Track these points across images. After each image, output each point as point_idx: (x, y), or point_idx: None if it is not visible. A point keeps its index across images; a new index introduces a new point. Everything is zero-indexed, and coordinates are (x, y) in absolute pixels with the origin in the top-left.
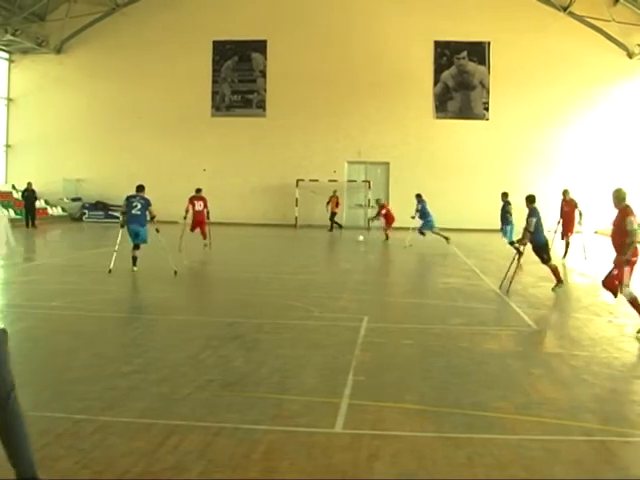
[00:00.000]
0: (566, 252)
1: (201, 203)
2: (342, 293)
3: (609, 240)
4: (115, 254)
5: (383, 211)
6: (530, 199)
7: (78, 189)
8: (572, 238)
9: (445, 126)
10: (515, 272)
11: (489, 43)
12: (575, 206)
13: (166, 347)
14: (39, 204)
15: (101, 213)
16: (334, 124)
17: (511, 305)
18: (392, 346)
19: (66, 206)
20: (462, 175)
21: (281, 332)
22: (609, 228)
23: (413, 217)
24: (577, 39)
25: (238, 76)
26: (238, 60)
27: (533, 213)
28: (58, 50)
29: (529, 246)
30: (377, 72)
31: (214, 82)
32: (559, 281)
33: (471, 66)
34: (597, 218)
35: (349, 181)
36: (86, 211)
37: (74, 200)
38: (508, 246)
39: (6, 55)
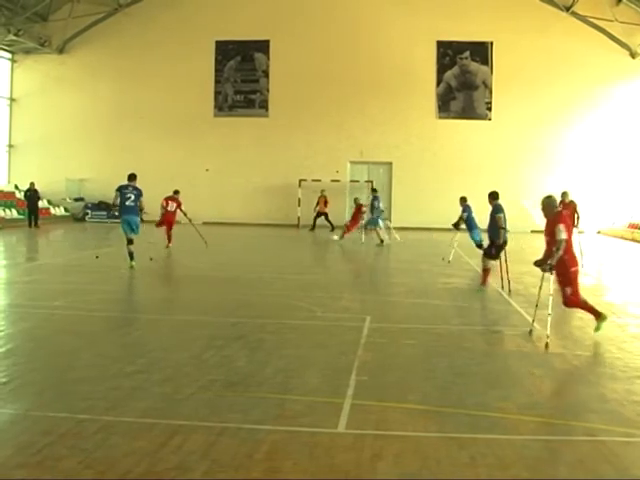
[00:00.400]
0: None
1: (174, 204)
2: (344, 293)
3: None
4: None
5: (363, 209)
6: (494, 195)
7: (81, 189)
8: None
9: (448, 126)
10: (508, 270)
11: (492, 43)
12: (574, 209)
13: (169, 347)
14: (42, 204)
15: (104, 213)
16: (337, 124)
17: (513, 305)
18: (395, 346)
19: (69, 206)
20: (465, 175)
21: (284, 332)
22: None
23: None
24: (580, 39)
25: (241, 76)
26: (241, 60)
27: (499, 209)
28: (61, 50)
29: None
30: (380, 72)
31: (217, 82)
32: (484, 282)
33: (474, 66)
34: (600, 218)
35: (352, 181)
36: (89, 211)
37: (77, 200)
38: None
39: (9, 55)
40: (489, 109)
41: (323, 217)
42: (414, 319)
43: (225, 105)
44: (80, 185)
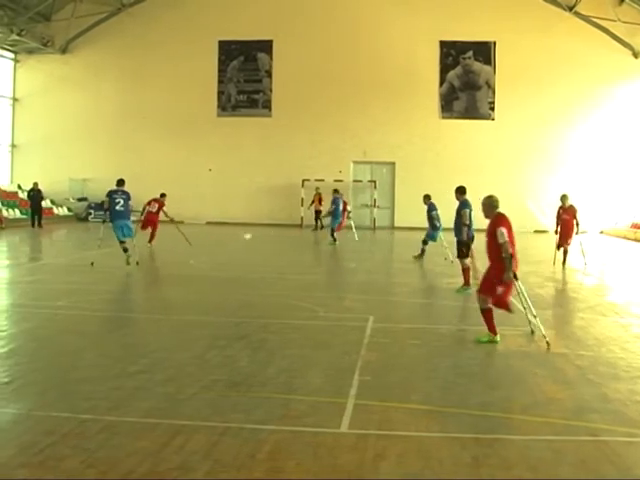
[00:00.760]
0: (565, 259)
1: (156, 205)
2: (347, 293)
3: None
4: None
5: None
6: (461, 190)
7: (84, 189)
8: (570, 247)
9: (451, 126)
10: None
11: (495, 43)
12: (574, 214)
13: (172, 347)
14: (45, 204)
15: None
16: (340, 124)
17: (516, 305)
18: (398, 346)
19: (72, 206)
20: (468, 175)
21: (287, 332)
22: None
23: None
24: (583, 39)
25: (244, 76)
26: (244, 60)
27: (466, 205)
28: (63, 50)
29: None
30: (383, 72)
31: (220, 82)
32: (466, 283)
33: (477, 66)
34: (603, 218)
35: (355, 181)
36: (92, 211)
37: (80, 200)
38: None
39: (12, 55)
40: (492, 109)
41: (315, 214)
42: (417, 319)
43: (228, 105)
44: (83, 185)
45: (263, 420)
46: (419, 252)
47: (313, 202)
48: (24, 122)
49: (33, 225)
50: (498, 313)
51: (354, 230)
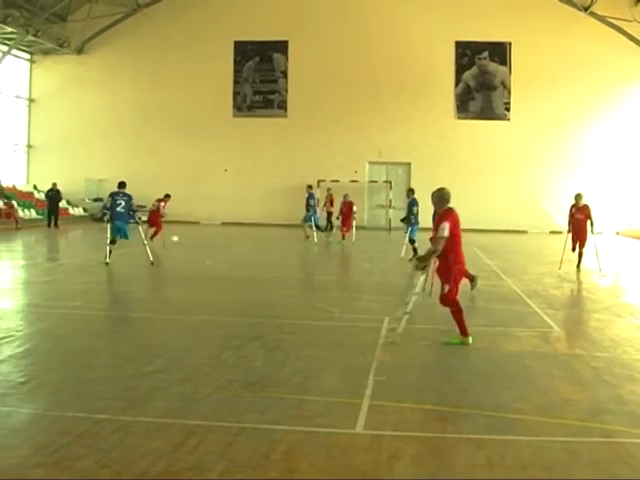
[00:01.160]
0: (579, 262)
1: (156, 204)
2: (362, 294)
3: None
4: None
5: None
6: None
7: (100, 189)
8: (585, 250)
9: (466, 126)
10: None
11: (510, 43)
12: (589, 214)
13: (188, 347)
14: (61, 204)
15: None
16: (355, 124)
17: (532, 306)
18: (413, 347)
19: (87, 206)
20: (484, 176)
21: (302, 332)
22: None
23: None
24: (598, 39)
25: (259, 76)
26: (259, 60)
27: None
28: (79, 51)
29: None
30: (398, 72)
31: (235, 82)
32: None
33: (492, 66)
34: (619, 219)
35: (370, 182)
36: (107, 211)
37: (95, 200)
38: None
39: (28, 56)
40: (508, 109)
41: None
42: (432, 320)
43: (244, 105)
44: (99, 185)
45: (278, 420)
46: (412, 253)
47: (325, 203)
48: (40, 123)
49: (49, 225)
50: (514, 314)
51: (354, 232)
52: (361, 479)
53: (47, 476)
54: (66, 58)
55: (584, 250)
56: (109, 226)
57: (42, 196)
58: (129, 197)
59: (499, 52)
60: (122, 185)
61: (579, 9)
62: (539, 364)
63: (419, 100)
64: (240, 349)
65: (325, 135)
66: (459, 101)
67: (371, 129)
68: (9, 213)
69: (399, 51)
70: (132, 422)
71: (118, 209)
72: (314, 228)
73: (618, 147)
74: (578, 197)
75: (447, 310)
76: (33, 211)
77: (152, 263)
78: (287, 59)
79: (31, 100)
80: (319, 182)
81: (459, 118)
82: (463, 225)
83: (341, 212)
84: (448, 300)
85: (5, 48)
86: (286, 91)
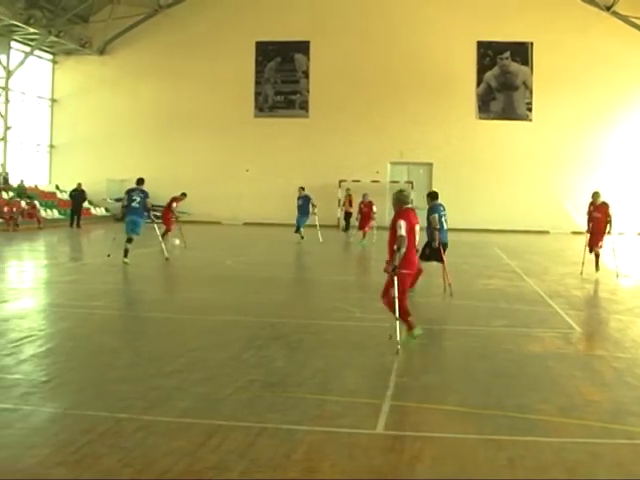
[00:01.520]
0: (597, 264)
1: (168, 202)
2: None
3: None
4: (114, 241)
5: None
6: (432, 195)
7: (122, 189)
8: (602, 250)
9: (488, 127)
10: (447, 272)
11: (532, 43)
12: (607, 212)
13: (209, 347)
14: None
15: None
16: (377, 124)
17: (554, 307)
18: (434, 348)
19: (109, 206)
20: (505, 176)
21: (323, 333)
22: None
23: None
24: (621, 39)
25: (281, 77)
26: (281, 61)
27: (434, 210)
28: (101, 51)
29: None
30: (420, 72)
31: (257, 83)
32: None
33: (514, 66)
34: None
35: (392, 182)
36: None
37: (117, 200)
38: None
39: (50, 56)
40: (529, 110)
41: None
42: (454, 320)
43: (265, 106)
44: (121, 185)
45: (299, 421)
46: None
47: (344, 203)
48: (62, 123)
49: (72, 225)
50: (536, 314)
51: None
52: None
53: (69, 474)
54: (88, 59)
55: (600, 251)
56: (125, 222)
57: (64, 196)
58: (145, 194)
59: (521, 52)
60: (140, 182)
61: (601, 9)
62: (561, 365)
63: (440, 100)
64: (261, 349)
65: (346, 135)
66: (481, 101)
67: (392, 129)
68: (32, 213)
69: (421, 51)
70: (154, 421)
71: (133, 204)
72: (299, 230)
73: None
74: (595, 195)
75: (467, 311)
76: (55, 211)
77: (167, 259)
78: (308, 59)
79: (53, 100)
80: (340, 182)
81: (481, 118)
82: (485, 226)
83: (360, 212)
84: (387, 300)
85: (28, 49)
86: (307, 91)
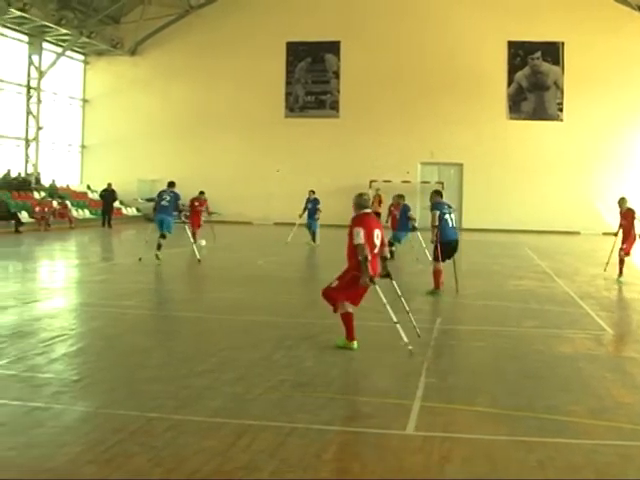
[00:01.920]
0: (621, 270)
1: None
2: (414, 294)
3: None
4: (146, 244)
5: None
6: (436, 193)
7: (152, 190)
8: (629, 258)
9: (519, 127)
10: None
11: (563, 43)
12: (632, 218)
13: (240, 347)
14: (114, 204)
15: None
16: (407, 125)
17: (584, 308)
18: (464, 348)
19: (140, 206)
20: (536, 177)
21: None
22: None
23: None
24: None
25: (311, 77)
26: (311, 61)
27: (436, 207)
28: (132, 52)
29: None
30: (450, 72)
31: (287, 83)
32: (437, 287)
33: (545, 66)
34: None
35: (422, 182)
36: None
37: (149, 200)
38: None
39: (82, 57)
40: (560, 110)
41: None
42: (484, 321)
43: (296, 106)
44: (152, 186)
45: (329, 421)
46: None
47: (373, 203)
48: (93, 123)
49: (103, 225)
50: (567, 315)
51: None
52: None
53: (99, 473)
54: (119, 59)
55: (625, 257)
56: (155, 220)
57: (95, 196)
58: (176, 195)
59: (552, 52)
60: (171, 184)
61: (634, 8)
62: (592, 366)
63: (471, 100)
64: (291, 349)
65: (377, 135)
66: (511, 101)
67: (423, 129)
68: (63, 213)
69: (451, 51)
70: (184, 421)
71: (163, 203)
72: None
73: None
74: (621, 202)
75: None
76: (87, 211)
77: (199, 261)
78: (339, 59)
79: (85, 101)
80: (371, 182)
81: (511, 118)
82: (516, 226)
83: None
84: (326, 294)
85: (60, 50)
86: (338, 91)
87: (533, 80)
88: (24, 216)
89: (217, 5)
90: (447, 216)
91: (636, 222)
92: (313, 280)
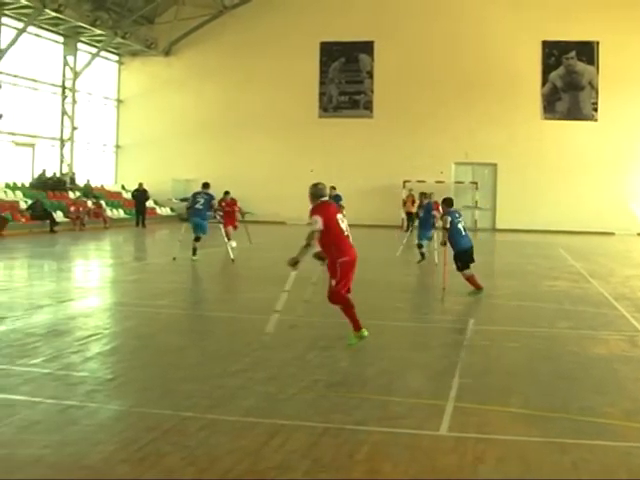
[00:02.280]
0: None
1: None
2: (447, 295)
3: None
4: (179, 244)
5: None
6: (447, 202)
7: (187, 190)
8: None
9: (553, 127)
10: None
11: (598, 43)
12: None
13: (273, 346)
14: (148, 204)
15: (209, 213)
16: (441, 125)
17: (619, 309)
18: (498, 349)
19: (175, 206)
20: (571, 177)
21: (386, 333)
22: None
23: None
24: None
25: (345, 77)
26: (345, 61)
27: (449, 214)
28: (167, 52)
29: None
30: (485, 72)
31: (321, 83)
32: (477, 287)
33: (580, 66)
34: None
35: (456, 182)
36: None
37: (183, 200)
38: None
39: (116, 57)
40: (595, 110)
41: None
42: (518, 322)
43: (330, 106)
44: (186, 185)
45: (362, 421)
46: (420, 257)
47: (406, 203)
48: (128, 123)
49: (137, 225)
50: (602, 317)
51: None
52: None
53: (132, 472)
54: (153, 60)
55: None
56: (190, 222)
57: (130, 196)
58: (210, 196)
59: (587, 52)
60: (205, 186)
61: None
62: (627, 368)
63: (505, 100)
64: (325, 349)
65: (411, 135)
66: (546, 101)
67: (457, 129)
68: (98, 213)
69: (485, 51)
70: (218, 420)
71: (197, 206)
72: None
73: None
74: None
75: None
76: (121, 211)
77: (233, 260)
78: (373, 60)
79: (119, 101)
80: (405, 182)
81: (546, 119)
82: (550, 227)
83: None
84: (333, 295)
85: (94, 50)
86: (372, 92)
87: (568, 80)
88: (59, 216)
89: (251, 5)
90: (460, 225)
91: None
92: None
